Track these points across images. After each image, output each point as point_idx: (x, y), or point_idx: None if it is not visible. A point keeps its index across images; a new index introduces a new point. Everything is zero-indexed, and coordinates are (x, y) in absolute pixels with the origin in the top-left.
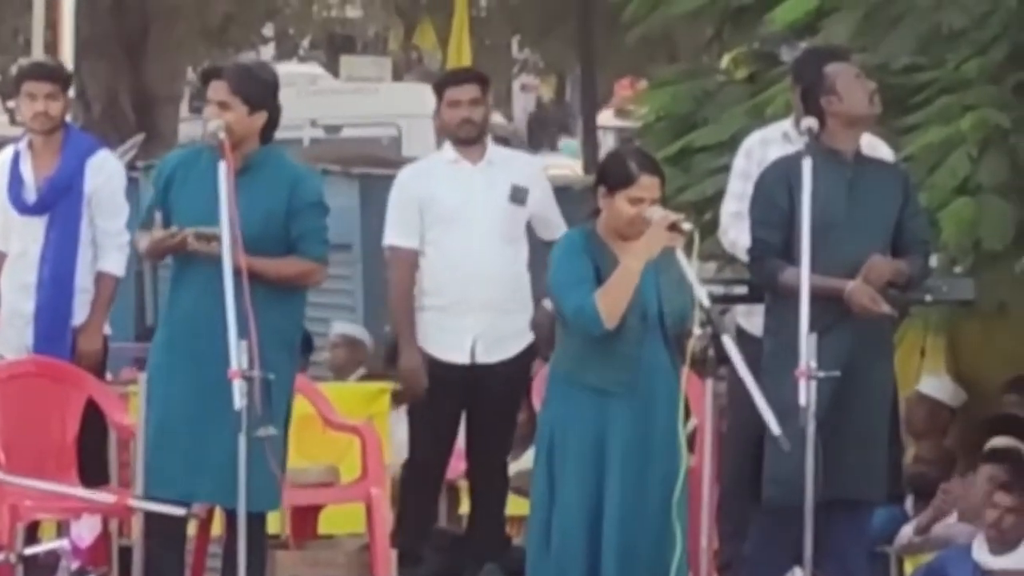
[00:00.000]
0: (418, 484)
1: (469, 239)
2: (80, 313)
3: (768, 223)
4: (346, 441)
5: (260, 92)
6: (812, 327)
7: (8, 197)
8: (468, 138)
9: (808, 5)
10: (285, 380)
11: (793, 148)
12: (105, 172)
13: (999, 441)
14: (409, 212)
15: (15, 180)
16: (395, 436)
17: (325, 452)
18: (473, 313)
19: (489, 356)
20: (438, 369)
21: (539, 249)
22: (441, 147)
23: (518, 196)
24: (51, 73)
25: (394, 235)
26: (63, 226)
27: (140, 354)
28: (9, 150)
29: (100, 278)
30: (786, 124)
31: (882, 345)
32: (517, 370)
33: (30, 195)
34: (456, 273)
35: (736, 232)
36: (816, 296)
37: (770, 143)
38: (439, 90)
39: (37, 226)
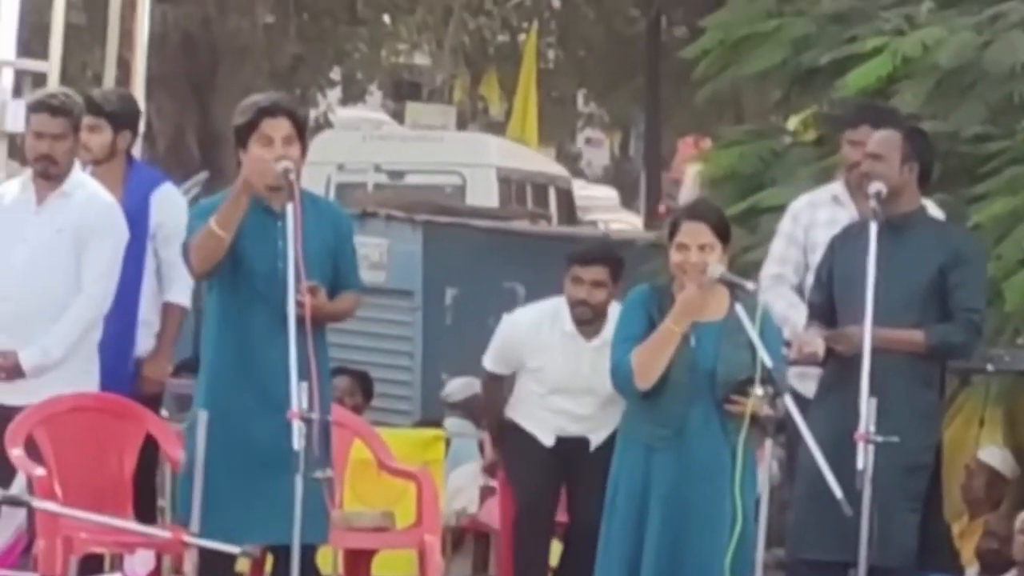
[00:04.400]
0: (530, 530)
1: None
2: (142, 345)
3: (814, 286)
4: (401, 487)
5: (306, 128)
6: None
7: None
8: (583, 320)
9: (881, 71)
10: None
11: (843, 211)
12: (171, 204)
13: None
14: (512, 354)
15: None
16: (449, 484)
17: (381, 497)
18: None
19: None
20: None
21: None
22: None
23: None
24: (97, 108)
25: (492, 364)
26: (128, 258)
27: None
28: None
29: (167, 308)
30: (835, 187)
31: (908, 411)
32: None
33: None
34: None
35: (772, 296)
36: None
37: (818, 206)
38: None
39: None
